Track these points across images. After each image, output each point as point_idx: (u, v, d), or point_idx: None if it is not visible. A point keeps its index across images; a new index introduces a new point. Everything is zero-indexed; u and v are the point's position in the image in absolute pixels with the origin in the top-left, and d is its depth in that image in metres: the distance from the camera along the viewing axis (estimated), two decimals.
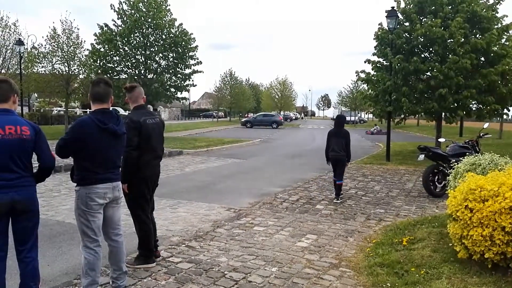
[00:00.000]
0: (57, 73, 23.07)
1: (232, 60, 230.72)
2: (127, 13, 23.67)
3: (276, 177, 11.49)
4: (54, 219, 6.68)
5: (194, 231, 6.10)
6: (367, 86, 16.84)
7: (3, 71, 24.29)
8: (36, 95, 36.42)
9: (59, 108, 42.31)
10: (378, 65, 16.17)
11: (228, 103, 57.96)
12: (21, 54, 23.73)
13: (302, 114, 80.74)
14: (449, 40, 14.36)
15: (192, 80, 25.47)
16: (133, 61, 24.19)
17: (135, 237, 4.72)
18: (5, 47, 24.42)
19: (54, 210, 7.26)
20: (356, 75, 16.66)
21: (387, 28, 15.43)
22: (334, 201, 8.20)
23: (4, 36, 24.18)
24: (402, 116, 16.93)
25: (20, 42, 23.75)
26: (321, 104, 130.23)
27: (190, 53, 24.72)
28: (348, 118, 60.35)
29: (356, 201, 8.31)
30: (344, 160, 8.37)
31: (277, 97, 68.66)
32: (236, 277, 4.32)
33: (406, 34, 15.42)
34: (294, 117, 77.66)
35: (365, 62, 16.13)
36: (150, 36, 24.01)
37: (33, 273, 3.40)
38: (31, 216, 3.35)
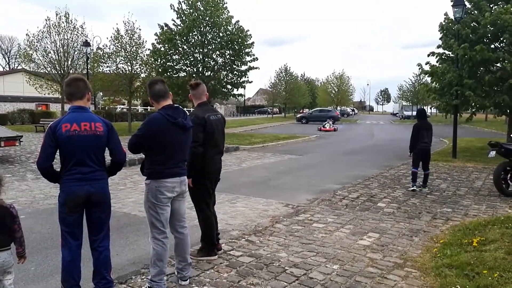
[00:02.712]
0: (120, 72, 24.12)
1: (287, 56, 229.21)
2: (186, 12, 24.28)
3: (334, 174, 11.30)
4: (121, 211, 7.00)
5: (253, 225, 6.14)
6: (431, 79, 16.06)
7: (71, 71, 25.88)
8: (102, 94, 38.34)
9: (122, 106, 44.29)
10: (443, 57, 15.37)
11: (283, 99, 57.79)
12: (88, 55, 25.12)
13: (350, 110, 77.21)
14: None
15: (248, 77, 25.70)
16: (192, 59, 24.81)
17: (197, 230, 4.84)
18: (73, 48, 26.02)
19: (120, 202, 7.61)
20: (419, 68, 15.97)
21: (452, 18, 14.61)
22: (423, 190, 8.71)
23: (72, 38, 25.79)
24: (470, 111, 15.99)
25: (86, 44, 25.16)
26: (380, 98, 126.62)
27: (246, 50, 24.93)
28: (409, 113, 58.60)
29: (421, 199, 7.96)
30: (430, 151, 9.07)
31: (333, 92, 67.37)
32: (297, 273, 4.29)
33: (474, 23, 14.50)
34: (351, 113, 75.94)
35: (428, 55, 15.37)
36: (207, 34, 24.50)
37: (105, 262, 3.56)
38: (103, 208, 3.50)
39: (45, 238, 5.54)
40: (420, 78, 50.65)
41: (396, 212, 6.96)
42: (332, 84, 68.22)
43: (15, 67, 59.58)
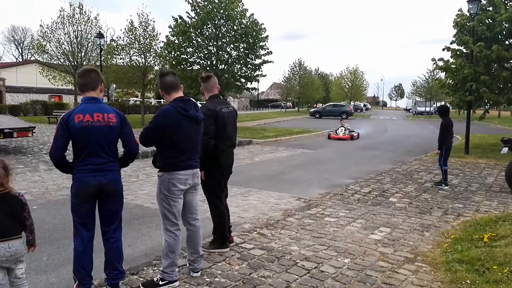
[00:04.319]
0: (134, 64, 24.14)
1: (302, 50, 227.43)
2: (201, 4, 24.22)
3: (347, 169, 11.30)
4: (134, 203, 7.08)
5: (265, 219, 6.18)
6: (445, 74, 15.90)
7: (85, 62, 26.00)
8: (115, 86, 38.51)
9: (135, 98, 44.49)
10: (457, 52, 15.19)
11: (296, 93, 57.57)
12: (101, 47, 25.19)
13: (362, 105, 75.52)
14: None
15: (262, 70, 25.61)
16: (205, 52, 24.75)
17: (210, 223, 4.88)
18: (87, 40, 26.11)
19: (133, 194, 7.70)
20: (433, 63, 15.79)
21: (467, 14, 14.41)
22: (445, 187, 8.54)
23: (86, 29, 25.87)
24: (484, 108, 15.80)
25: (100, 35, 25.20)
26: (393, 94, 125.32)
27: (261, 43, 24.81)
28: (422, 109, 58.01)
29: (432, 194, 7.93)
30: None
31: (347, 87, 66.87)
32: (308, 266, 4.32)
33: (489, 20, 14.28)
34: (364, 108, 75.15)
35: (443, 49, 15.19)
36: (222, 27, 24.41)
37: (117, 252, 3.57)
38: (116, 199, 3.50)
39: (57, 229, 5.60)
40: (434, 74, 49.91)
41: (407, 207, 6.95)
42: (346, 79, 67.66)
43: (28, 58, 60.08)
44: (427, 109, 56.03)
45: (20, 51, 70.58)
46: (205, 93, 4.63)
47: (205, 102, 4.65)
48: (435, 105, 56.92)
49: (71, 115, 3.29)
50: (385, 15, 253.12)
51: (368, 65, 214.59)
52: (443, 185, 8.63)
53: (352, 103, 64.45)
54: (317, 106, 62.09)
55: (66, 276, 4.07)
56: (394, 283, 3.97)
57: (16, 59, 67.69)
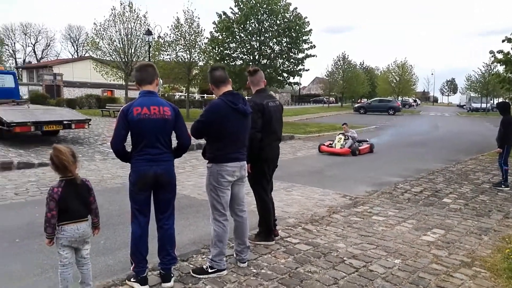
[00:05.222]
0: (180, 60, 24.59)
1: (346, 43, 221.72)
2: (244, 0, 24.23)
3: (395, 166, 10.89)
4: (181, 193, 7.16)
5: (310, 214, 6.07)
6: (504, 68, 14.92)
7: (134, 58, 26.72)
8: (162, 81, 39.48)
9: (180, 93, 45.42)
10: None
11: (340, 88, 56.43)
12: (150, 43, 25.79)
13: (412, 100, 71.90)
14: None
15: (304, 65, 25.28)
16: (248, 47, 24.77)
17: (255, 215, 4.87)
18: (136, 37, 26.80)
19: (180, 185, 7.75)
20: (492, 56, 14.89)
21: None
22: (505, 189, 8.07)
23: (135, 27, 26.53)
24: None
25: (148, 32, 25.77)
26: (445, 89, 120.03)
27: (304, 37, 24.49)
28: (477, 105, 55.03)
29: (491, 196, 7.44)
30: None
31: (394, 81, 64.68)
32: (356, 265, 4.17)
33: None
34: (413, 104, 72.50)
35: (503, 41, 14.25)
36: (265, 22, 24.32)
37: (170, 239, 3.71)
38: (170, 188, 3.64)
39: (113, 215, 5.83)
40: (491, 67, 47.13)
41: (463, 208, 6.56)
42: (393, 73, 65.43)
43: (83, 55, 63.06)
44: (483, 105, 53.13)
45: (76, 48, 75.06)
46: (251, 87, 4.67)
47: (248, 97, 4.66)
48: (492, 102, 54.04)
49: (130, 108, 3.45)
50: (428, 11, 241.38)
51: (418, 58, 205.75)
52: (503, 186, 8.12)
53: (400, 98, 62.33)
54: (362, 101, 60.64)
55: (122, 259, 4.28)
56: (449, 287, 3.73)
57: (72, 55, 71.74)
